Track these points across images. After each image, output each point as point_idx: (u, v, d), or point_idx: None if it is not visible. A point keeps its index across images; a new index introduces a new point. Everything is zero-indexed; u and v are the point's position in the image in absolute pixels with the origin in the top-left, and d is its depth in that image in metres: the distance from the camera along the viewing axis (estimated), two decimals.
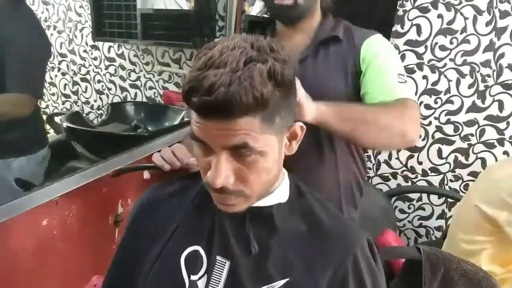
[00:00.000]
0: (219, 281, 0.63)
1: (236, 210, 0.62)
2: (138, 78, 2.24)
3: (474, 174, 1.70)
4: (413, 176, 1.81)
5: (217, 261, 0.64)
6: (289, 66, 0.55)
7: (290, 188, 0.70)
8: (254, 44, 0.55)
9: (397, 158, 1.81)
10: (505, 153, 1.64)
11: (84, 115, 2.32)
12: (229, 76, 0.51)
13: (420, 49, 1.65)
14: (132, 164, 1.09)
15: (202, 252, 0.65)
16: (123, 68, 2.26)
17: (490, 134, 1.64)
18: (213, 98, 0.50)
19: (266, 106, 0.53)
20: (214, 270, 0.63)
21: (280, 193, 0.68)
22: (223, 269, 0.63)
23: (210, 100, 0.50)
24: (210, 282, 0.63)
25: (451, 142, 1.71)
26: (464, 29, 1.58)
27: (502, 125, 1.62)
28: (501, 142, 1.64)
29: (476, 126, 1.65)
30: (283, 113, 0.58)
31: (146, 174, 0.91)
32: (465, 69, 1.61)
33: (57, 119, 2.15)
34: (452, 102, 1.66)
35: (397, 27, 1.66)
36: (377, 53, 0.95)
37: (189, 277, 0.64)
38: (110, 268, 0.76)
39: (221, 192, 0.58)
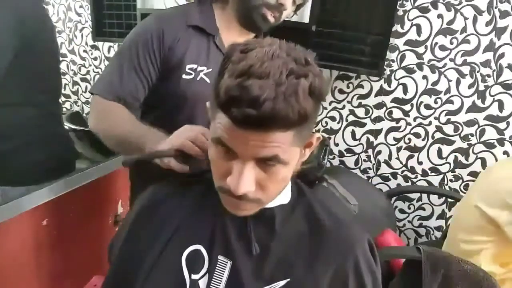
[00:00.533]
0: (221, 281, 0.63)
1: (246, 214, 0.62)
2: None
3: (474, 174, 1.70)
4: (413, 176, 1.81)
5: (219, 261, 0.64)
6: (326, 83, 0.55)
7: (292, 189, 0.71)
8: (290, 54, 0.54)
9: (397, 158, 1.81)
10: (505, 153, 1.64)
11: (84, 115, 2.32)
12: (273, 89, 0.49)
13: (420, 49, 1.65)
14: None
15: (203, 251, 0.65)
16: None
17: (490, 134, 1.64)
18: (258, 112, 0.49)
19: (306, 122, 0.53)
20: (216, 270, 0.63)
21: (283, 195, 0.68)
22: (224, 269, 0.63)
23: (254, 114, 0.49)
24: (212, 281, 0.63)
25: (451, 142, 1.71)
26: (464, 29, 1.58)
27: (502, 125, 1.62)
28: (501, 142, 1.64)
29: (476, 126, 1.66)
30: (311, 125, 0.58)
31: (184, 167, 0.75)
32: (465, 69, 1.61)
33: None
34: (452, 102, 1.66)
35: (397, 27, 1.66)
36: None
37: (190, 276, 0.64)
38: (111, 267, 0.76)
39: (240, 199, 0.58)
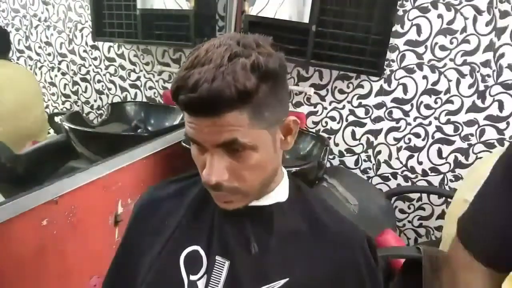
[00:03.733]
0: (219, 281, 0.63)
1: (235, 207, 0.62)
2: (138, 78, 2.24)
3: None
4: (413, 176, 1.81)
5: (217, 261, 0.63)
6: (274, 60, 0.56)
7: (290, 188, 0.70)
8: (240, 41, 0.56)
9: (397, 158, 1.81)
10: None
11: (84, 115, 2.32)
12: (213, 72, 0.51)
13: (420, 49, 1.65)
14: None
15: (201, 252, 0.65)
16: (123, 68, 2.26)
17: (490, 134, 1.64)
18: (197, 94, 0.51)
19: (251, 99, 0.53)
20: (214, 270, 0.63)
21: (280, 192, 0.68)
22: (222, 269, 0.63)
23: (194, 97, 0.51)
24: (210, 282, 0.63)
25: (451, 142, 1.71)
26: (464, 29, 1.58)
27: (502, 125, 1.62)
28: (501, 142, 1.63)
29: (476, 126, 1.65)
30: (272, 107, 0.58)
31: None
32: (465, 69, 1.61)
33: (57, 119, 2.15)
34: (452, 102, 1.66)
35: (397, 27, 1.65)
36: None
37: (188, 277, 0.64)
38: (111, 268, 0.76)
39: (217, 189, 0.59)
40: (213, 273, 0.63)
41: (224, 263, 0.63)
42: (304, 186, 0.73)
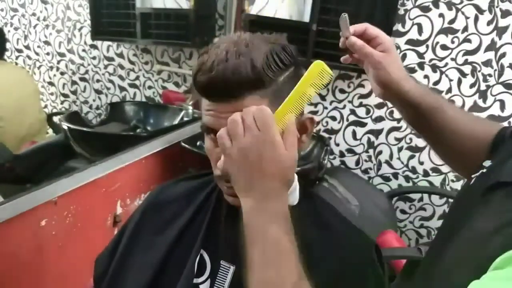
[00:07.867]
0: (223, 287, 0.62)
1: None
2: (137, 78, 2.23)
3: None
4: (414, 176, 1.80)
5: (221, 265, 0.62)
6: (293, 51, 0.57)
7: (299, 192, 0.69)
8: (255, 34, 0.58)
9: (398, 158, 1.80)
10: None
11: (83, 114, 2.31)
12: (231, 53, 0.52)
13: (421, 49, 1.64)
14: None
15: (205, 255, 0.64)
16: (122, 67, 2.25)
17: None
18: (213, 73, 0.51)
19: (268, 83, 0.53)
20: (218, 275, 0.62)
21: (292, 196, 0.66)
22: (227, 274, 0.62)
23: (211, 76, 0.52)
24: (214, 287, 0.62)
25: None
26: (465, 29, 1.57)
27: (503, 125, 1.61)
28: None
29: None
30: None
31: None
32: (467, 69, 1.61)
33: (55, 118, 2.14)
34: (453, 102, 1.66)
35: (398, 26, 1.65)
36: None
37: (191, 280, 0.63)
38: (107, 250, 0.76)
39: (230, 181, 0.57)
40: (218, 277, 0.62)
41: (229, 268, 0.62)
42: (312, 191, 0.72)
